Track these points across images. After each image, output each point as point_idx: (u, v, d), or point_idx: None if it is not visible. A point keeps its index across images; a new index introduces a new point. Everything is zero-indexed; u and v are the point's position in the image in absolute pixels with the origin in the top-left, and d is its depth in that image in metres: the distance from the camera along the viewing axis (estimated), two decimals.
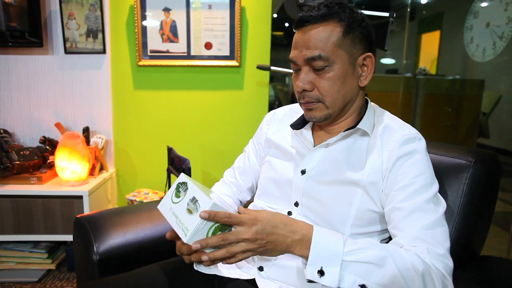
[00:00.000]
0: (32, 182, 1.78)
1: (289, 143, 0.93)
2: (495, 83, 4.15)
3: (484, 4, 3.74)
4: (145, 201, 1.93)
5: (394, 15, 1.74)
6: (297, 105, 1.00)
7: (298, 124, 0.92)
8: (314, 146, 0.88)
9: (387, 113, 0.89)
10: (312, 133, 0.91)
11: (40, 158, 1.89)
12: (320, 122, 0.85)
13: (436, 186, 0.78)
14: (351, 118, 0.87)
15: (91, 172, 1.94)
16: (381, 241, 0.84)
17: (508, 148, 4.16)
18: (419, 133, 0.83)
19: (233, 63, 2.14)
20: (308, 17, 0.79)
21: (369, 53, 0.82)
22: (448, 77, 4.34)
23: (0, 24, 1.83)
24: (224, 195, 1.04)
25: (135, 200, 1.94)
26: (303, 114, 0.92)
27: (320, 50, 0.77)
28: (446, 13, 5.56)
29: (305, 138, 0.90)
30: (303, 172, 0.87)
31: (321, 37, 0.78)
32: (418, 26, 6.14)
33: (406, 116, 3.53)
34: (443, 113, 3.56)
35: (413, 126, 0.85)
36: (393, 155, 0.79)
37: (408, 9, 4.66)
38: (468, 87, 3.76)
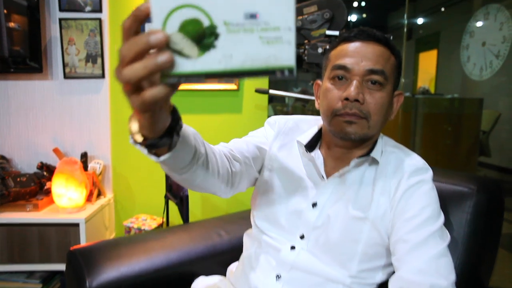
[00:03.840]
0: (28, 209, 1.75)
1: (298, 166, 0.87)
2: (494, 101, 4.16)
3: (479, 24, 3.79)
4: (142, 227, 1.90)
5: (391, 37, 1.75)
6: (304, 120, 0.95)
7: (311, 146, 0.87)
8: (325, 172, 0.84)
9: (392, 141, 0.89)
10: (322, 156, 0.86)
11: (37, 184, 1.86)
12: (354, 140, 0.80)
13: (442, 218, 0.77)
14: (365, 149, 0.84)
15: (89, 198, 1.91)
16: (387, 275, 0.81)
17: (510, 166, 4.14)
18: (426, 163, 0.83)
19: (231, 86, 2.14)
20: (373, 33, 0.80)
21: (401, 91, 0.84)
22: (446, 96, 4.36)
23: (3, 50, 1.81)
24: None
25: (132, 227, 1.91)
26: (315, 134, 0.88)
27: (382, 66, 0.78)
28: (443, 32, 5.63)
29: (315, 164, 0.84)
30: (314, 205, 0.83)
31: (384, 55, 0.79)
32: (415, 45, 6.22)
33: (406, 136, 3.52)
34: (443, 132, 3.55)
35: (413, 146, 0.85)
36: (401, 186, 0.78)
37: (405, 29, 4.73)
38: (467, 106, 3.76)
